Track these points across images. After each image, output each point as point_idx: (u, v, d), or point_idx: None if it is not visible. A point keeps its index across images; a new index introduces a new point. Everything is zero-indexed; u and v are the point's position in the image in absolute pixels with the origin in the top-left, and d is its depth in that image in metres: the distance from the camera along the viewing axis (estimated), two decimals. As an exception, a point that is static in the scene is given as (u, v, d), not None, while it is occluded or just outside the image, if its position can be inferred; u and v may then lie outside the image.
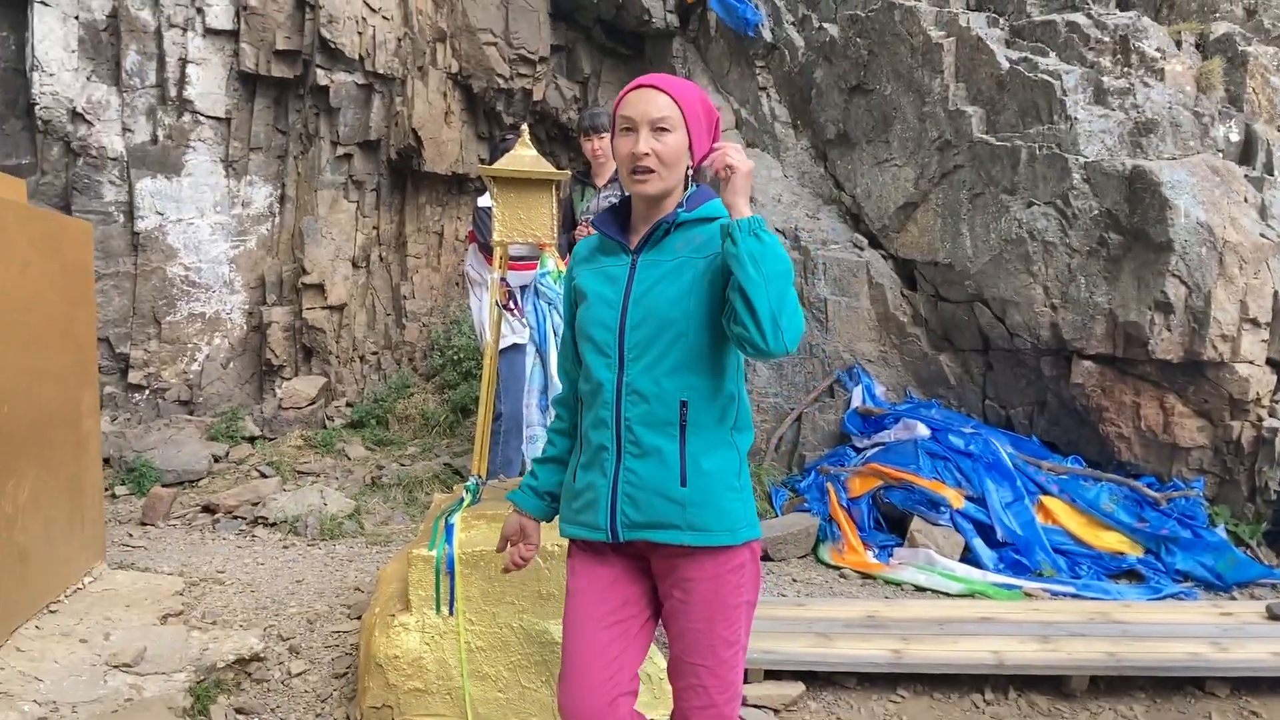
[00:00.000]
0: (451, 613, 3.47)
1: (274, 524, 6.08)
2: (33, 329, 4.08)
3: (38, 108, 7.39)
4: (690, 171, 2.37)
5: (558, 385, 3.53)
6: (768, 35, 8.14)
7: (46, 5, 7.31)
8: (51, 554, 4.21)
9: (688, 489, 2.27)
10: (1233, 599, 5.26)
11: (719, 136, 2.44)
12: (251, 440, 7.47)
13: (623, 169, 2.34)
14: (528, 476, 2.63)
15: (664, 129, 2.29)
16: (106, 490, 6.25)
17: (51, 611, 4.14)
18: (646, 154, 2.28)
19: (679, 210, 2.35)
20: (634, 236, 2.41)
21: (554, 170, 3.81)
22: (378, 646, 3.52)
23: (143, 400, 7.71)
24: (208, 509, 6.27)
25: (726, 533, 2.29)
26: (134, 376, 7.66)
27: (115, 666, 3.70)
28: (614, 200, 5.13)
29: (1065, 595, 5.21)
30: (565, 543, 2.59)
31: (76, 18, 7.48)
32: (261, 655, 4.08)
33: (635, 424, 2.29)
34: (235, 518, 6.19)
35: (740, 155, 2.21)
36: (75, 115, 7.50)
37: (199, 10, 7.79)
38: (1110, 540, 5.65)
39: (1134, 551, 5.60)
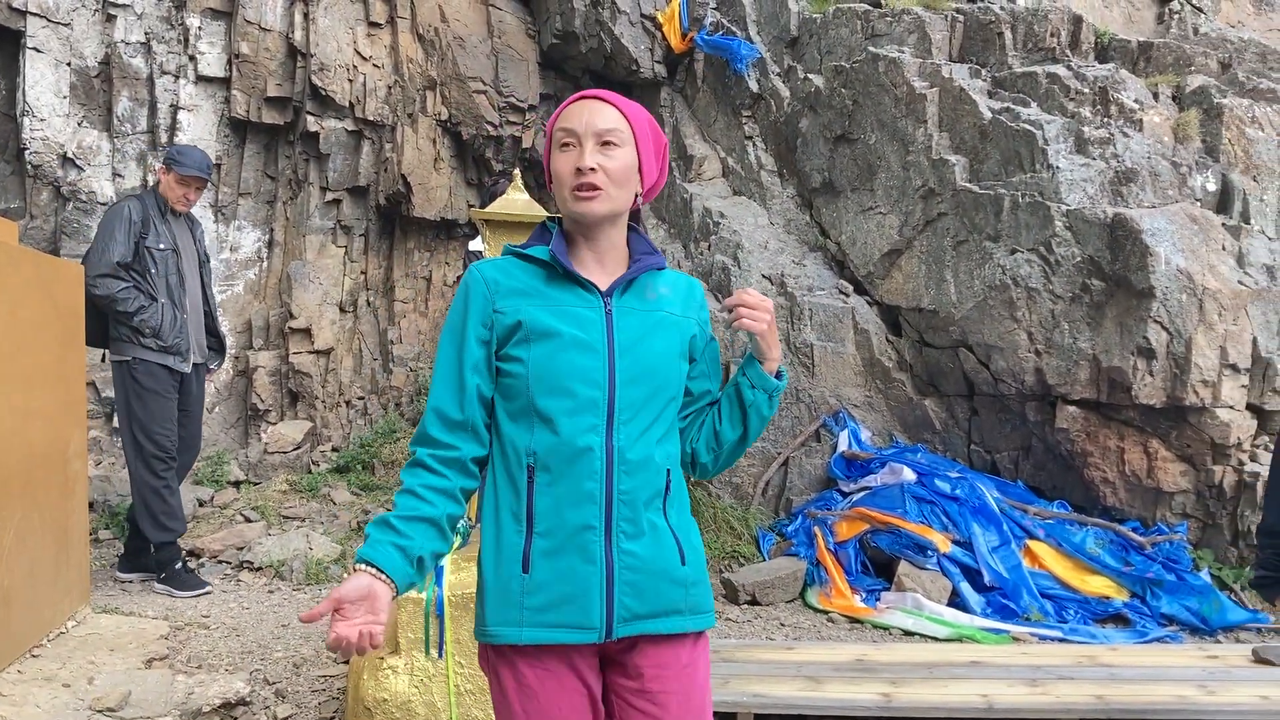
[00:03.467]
0: (441, 655, 3.44)
1: (259, 568, 6.04)
2: (24, 370, 4.09)
3: (28, 152, 7.42)
4: (640, 201, 2.09)
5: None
6: (754, 85, 8.26)
7: (39, 52, 7.38)
8: (35, 597, 4.18)
9: (687, 568, 2.02)
10: (1218, 642, 5.28)
11: (667, 165, 2.19)
12: (236, 485, 7.43)
13: (563, 188, 2.00)
14: (386, 531, 1.95)
15: (611, 143, 1.99)
16: (91, 534, 6.20)
17: (34, 655, 4.09)
18: (593, 169, 1.96)
19: (661, 260, 2.11)
20: (587, 273, 2.06)
21: (545, 214, 3.85)
22: (366, 690, 3.50)
23: (127, 444, 7.67)
24: (192, 553, 6.22)
25: (712, 611, 2.10)
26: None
27: (99, 711, 3.66)
28: None
29: (1052, 639, 5.22)
30: None
31: (69, 64, 7.55)
32: (247, 699, 4.04)
33: (630, 498, 1.96)
34: (220, 562, 6.15)
35: (766, 307, 2.04)
36: (66, 160, 7.54)
37: (191, 58, 7.88)
38: (1096, 584, 5.68)
39: (1120, 595, 5.62)
